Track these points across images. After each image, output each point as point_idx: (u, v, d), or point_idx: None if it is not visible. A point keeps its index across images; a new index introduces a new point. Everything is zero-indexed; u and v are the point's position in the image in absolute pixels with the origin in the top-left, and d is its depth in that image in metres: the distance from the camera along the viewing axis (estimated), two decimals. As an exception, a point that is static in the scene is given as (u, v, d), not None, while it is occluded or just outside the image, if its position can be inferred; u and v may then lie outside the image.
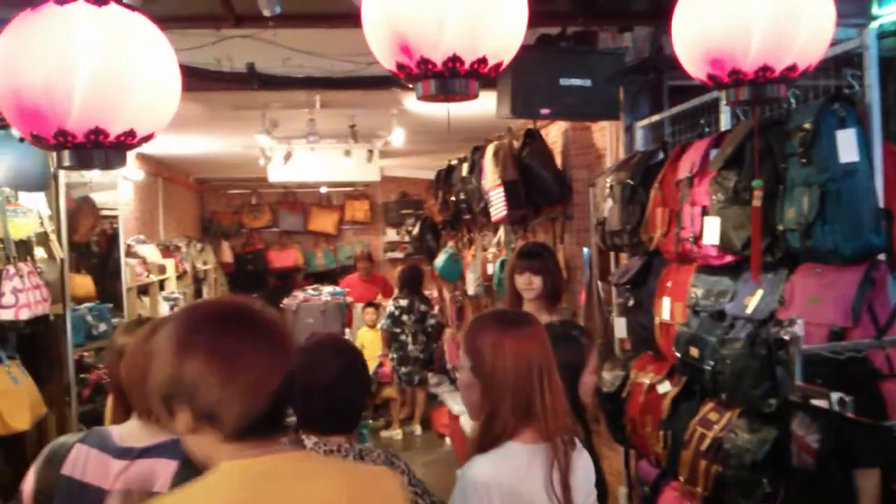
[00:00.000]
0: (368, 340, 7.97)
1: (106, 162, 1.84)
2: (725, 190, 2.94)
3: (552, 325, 3.29)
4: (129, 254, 7.05)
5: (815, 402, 2.27)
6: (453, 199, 6.61)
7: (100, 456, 1.90)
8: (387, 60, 2.01)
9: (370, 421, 7.58)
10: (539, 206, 5.50)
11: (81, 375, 4.47)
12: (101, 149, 1.82)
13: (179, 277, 8.08)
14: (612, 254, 4.71)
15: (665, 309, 3.62)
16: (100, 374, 4.51)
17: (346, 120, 5.69)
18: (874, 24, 3.47)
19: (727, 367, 2.91)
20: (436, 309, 8.75)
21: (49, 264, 3.74)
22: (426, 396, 7.94)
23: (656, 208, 3.63)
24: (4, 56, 1.77)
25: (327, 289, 6.51)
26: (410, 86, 2.03)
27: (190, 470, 1.44)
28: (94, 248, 6.03)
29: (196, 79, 4.18)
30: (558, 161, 5.49)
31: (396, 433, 7.81)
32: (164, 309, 7.33)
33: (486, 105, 4.35)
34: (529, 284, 3.77)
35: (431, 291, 9.21)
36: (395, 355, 7.74)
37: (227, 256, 11.70)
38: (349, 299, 8.78)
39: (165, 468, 1.83)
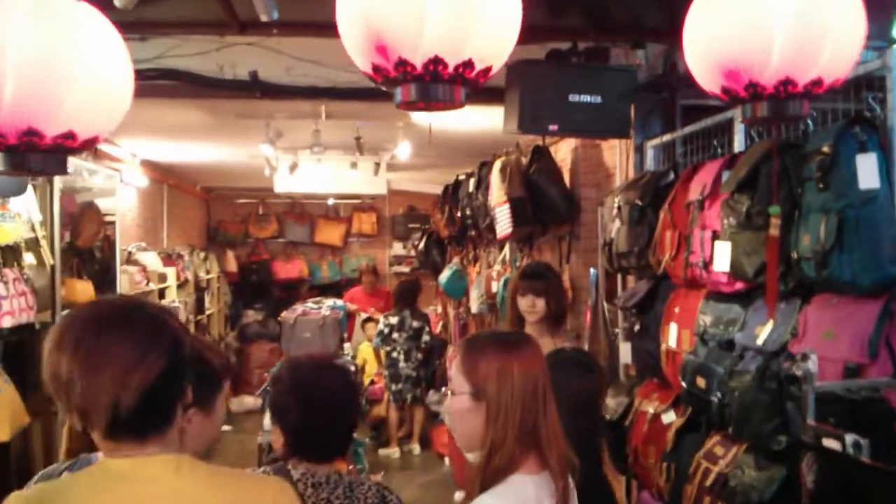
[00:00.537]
0: (370, 355, 7.85)
1: (43, 167, 1.69)
2: (738, 214, 2.82)
3: (564, 352, 3.13)
4: (130, 261, 6.98)
5: (828, 443, 2.14)
6: (459, 214, 6.50)
7: None
8: (362, 61, 1.85)
9: (366, 439, 7.44)
10: (546, 224, 5.38)
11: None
12: (36, 152, 1.66)
13: (181, 286, 7.99)
14: (619, 276, 4.59)
15: (672, 335, 3.49)
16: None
17: (351, 132, 5.60)
18: (896, 47, 3.35)
19: (735, 399, 2.78)
20: (439, 325, 8.63)
21: (39, 271, 3.64)
22: (424, 415, 7.81)
23: (665, 231, 3.51)
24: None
25: (328, 302, 6.40)
26: (388, 91, 1.88)
27: None
28: (97, 255, 5.94)
29: (197, 85, 4.11)
30: (567, 179, 5.38)
31: (394, 452, 7.66)
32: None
33: (494, 120, 4.26)
34: (532, 307, 3.66)
35: (436, 307, 9.10)
36: (386, 372, 7.61)
37: (232, 266, 11.62)
38: (354, 307, 8.67)
39: None
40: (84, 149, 1.78)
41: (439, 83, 1.79)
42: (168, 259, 7.92)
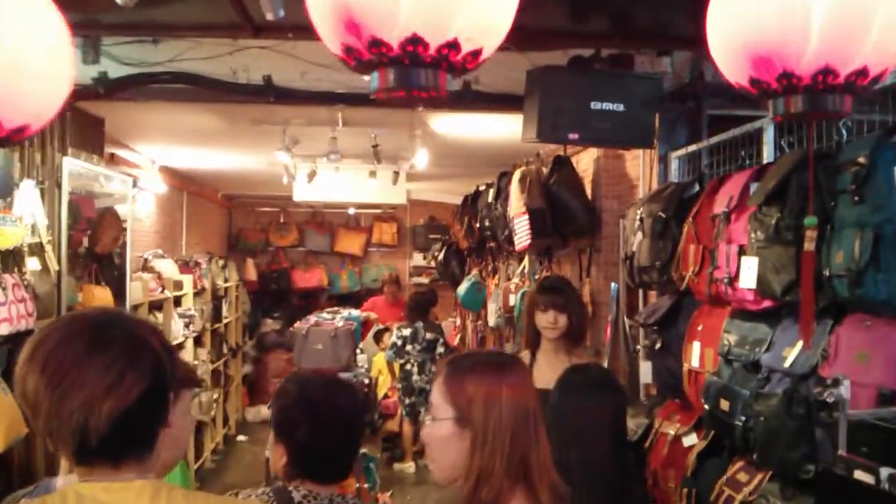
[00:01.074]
0: (384, 367, 7.73)
1: None
2: (766, 227, 2.67)
3: (589, 372, 2.97)
4: (146, 268, 6.91)
5: (860, 475, 1.98)
6: (478, 225, 6.38)
7: None
8: (331, 41, 1.66)
9: (378, 455, 7.32)
10: (566, 236, 5.25)
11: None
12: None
13: (197, 294, 7.92)
14: (640, 291, 4.45)
15: (694, 355, 3.35)
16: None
17: (368, 140, 5.51)
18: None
19: (760, 424, 2.63)
20: (457, 338, 8.50)
21: (43, 276, 3.57)
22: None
23: (689, 245, 3.36)
24: None
25: (343, 313, 6.30)
26: (365, 77, 1.70)
27: None
28: (117, 261, 5.90)
29: (210, 89, 4.03)
30: (588, 190, 5.24)
31: (409, 466, 7.52)
32: (178, 325, 7.18)
33: (515, 129, 4.14)
34: (554, 323, 3.53)
35: (455, 319, 8.97)
36: (399, 386, 7.48)
37: (252, 274, 11.57)
38: (374, 315, 8.56)
39: None
40: (19, 137, 1.63)
41: (420, 67, 1.58)
42: (185, 266, 7.85)
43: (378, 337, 8.42)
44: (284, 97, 4.08)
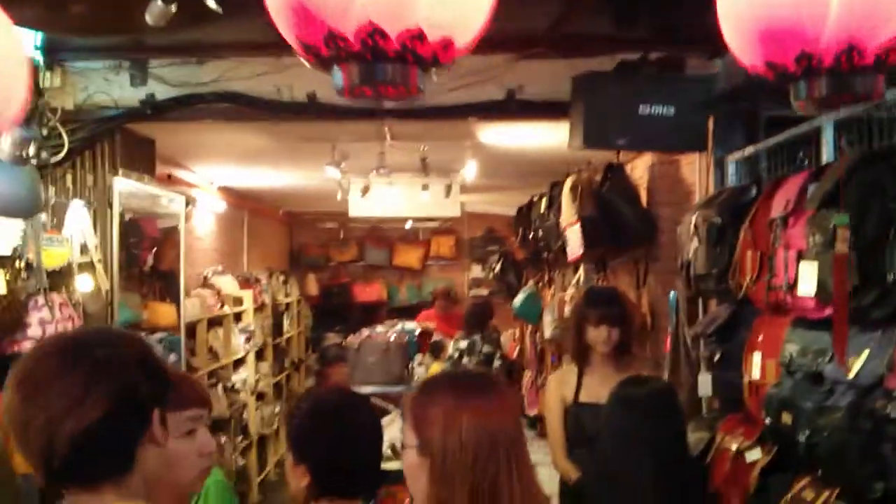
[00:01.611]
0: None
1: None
2: (824, 231, 2.51)
3: (649, 385, 2.83)
4: (206, 284, 7.04)
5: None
6: (532, 236, 6.29)
7: None
8: (290, 37, 1.54)
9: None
10: (621, 245, 5.10)
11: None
12: None
13: (258, 310, 8.02)
14: (700, 299, 4.28)
15: (755, 366, 3.19)
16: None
17: (417, 153, 5.49)
18: None
19: (825, 439, 2.47)
20: (516, 350, 8.39)
21: (94, 295, 3.64)
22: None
23: (746, 251, 3.21)
24: None
25: (398, 326, 6.27)
26: (326, 73, 1.55)
27: None
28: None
29: (254, 108, 4.06)
30: (643, 197, 5.10)
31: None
32: (238, 340, 7.27)
33: (565, 138, 4.06)
34: (607, 338, 3.42)
35: (514, 332, 8.86)
36: None
37: (314, 289, 11.71)
38: (432, 325, 8.52)
39: None
40: None
41: (384, 62, 1.45)
42: (245, 283, 7.97)
43: (432, 349, 8.38)
44: (327, 113, 4.08)
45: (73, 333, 1.39)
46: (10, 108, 1.63)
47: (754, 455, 3.20)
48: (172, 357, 5.29)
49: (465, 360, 7.27)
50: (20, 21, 1.89)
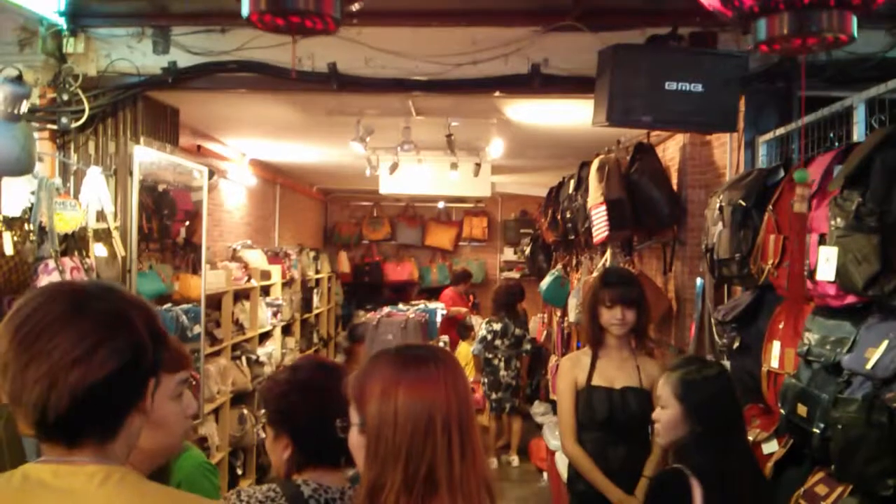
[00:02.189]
0: (469, 359, 7.61)
1: None
2: (846, 214, 2.38)
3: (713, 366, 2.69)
4: (234, 258, 7.06)
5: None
6: (560, 217, 6.17)
7: None
8: None
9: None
10: (648, 228, 4.97)
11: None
12: None
13: (286, 284, 8.04)
14: (726, 285, 4.15)
15: (774, 355, 3.07)
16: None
17: (444, 130, 5.40)
18: None
19: (839, 433, 2.35)
20: (543, 334, 8.31)
21: (109, 262, 3.64)
22: (522, 425, 7.52)
23: (769, 235, 3.08)
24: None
25: (419, 305, 6.21)
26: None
27: None
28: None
29: (275, 77, 4.02)
30: (674, 179, 4.95)
31: (491, 462, 7.40)
32: (265, 314, 7.30)
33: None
34: (622, 319, 3.33)
35: (543, 315, 8.77)
36: (485, 380, 7.35)
37: (345, 267, 11.73)
38: (462, 310, 8.49)
39: None
40: None
41: None
42: (275, 257, 7.99)
43: (459, 329, 8.37)
44: (348, 84, 4.02)
45: (78, 283, 1.30)
46: None
47: (771, 447, 3.09)
48: (196, 328, 5.33)
49: (496, 342, 7.24)
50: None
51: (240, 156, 7.59)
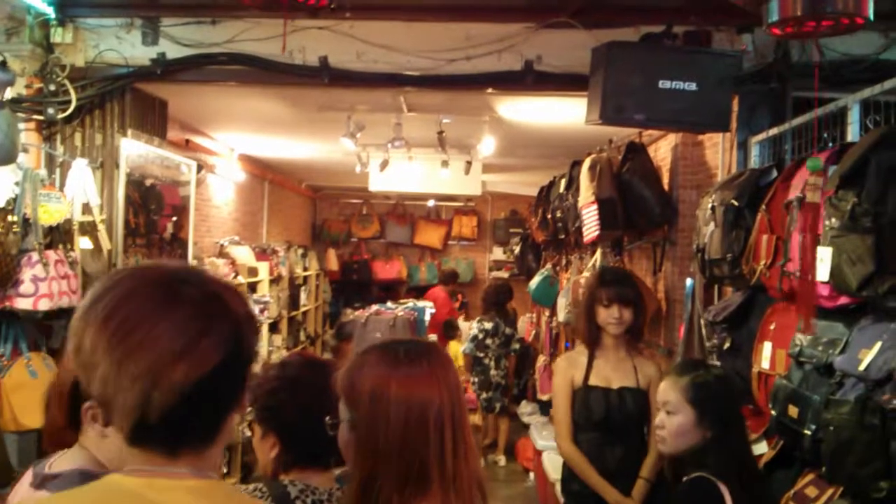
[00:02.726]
0: (459, 356, 7.58)
1: None
2: (841, 214, 2.37)
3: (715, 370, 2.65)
4: (221, 254, 7.01)
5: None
6: (551, 217, 6.15)
7: (27, 482, 1.70)
8: None
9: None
10: (639, 227, 4.96)
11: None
12: None
13: (273, 282, 7.98)
14: (717, 286, 4.14)
15: (765, 356, 3.07)
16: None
17: (436, 127, 5.37)
18: None
19: (830, 434, 2.34)
20: (532, 334, 8.30)
21: (95, 255, 3.59)
22: (509, 425, 7.51)
23: (761, 235, 3.07)
24: None
25: (408, 303, 6.16)
26: None
27: None
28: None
29: (265, 70, 3.98)
30: (665, 179, 4.94)
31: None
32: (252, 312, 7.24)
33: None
34: (619, 318, 3.31)
35: (532, 315, 8.76)
36: (475, 380, 7.34)
37: (334, 264, 11.68)
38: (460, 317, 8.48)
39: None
40: None
41: None
42: (262, 254, 7.93)
43: (445, 328, 8.34)
44: (339, 78, 3.99)
45: (163, 265, 1.11)
46: None
47: (761, 448, 3.07)
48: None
49: (487, 341, 7.23)
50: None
51: (229, 151, 7.53)
